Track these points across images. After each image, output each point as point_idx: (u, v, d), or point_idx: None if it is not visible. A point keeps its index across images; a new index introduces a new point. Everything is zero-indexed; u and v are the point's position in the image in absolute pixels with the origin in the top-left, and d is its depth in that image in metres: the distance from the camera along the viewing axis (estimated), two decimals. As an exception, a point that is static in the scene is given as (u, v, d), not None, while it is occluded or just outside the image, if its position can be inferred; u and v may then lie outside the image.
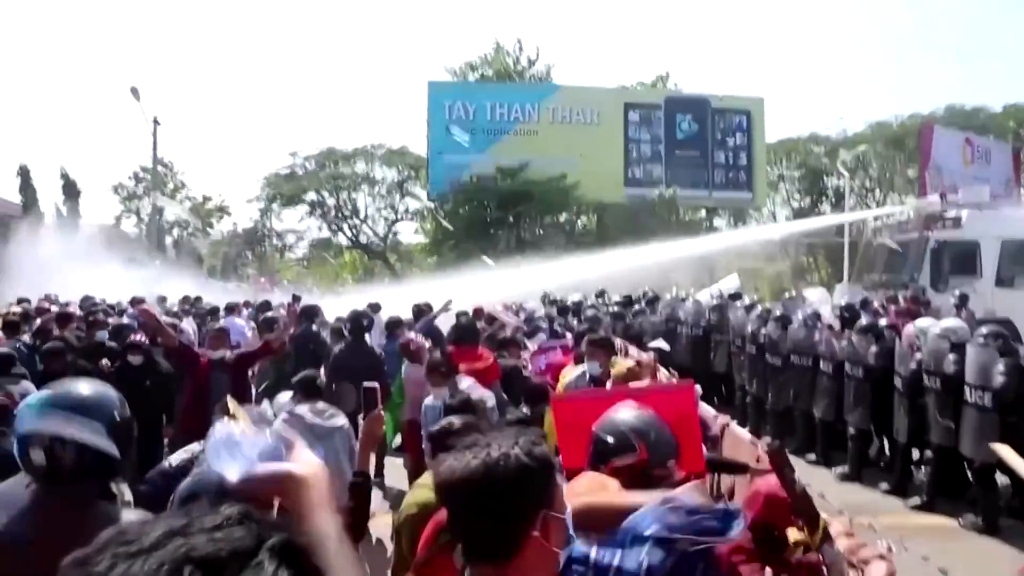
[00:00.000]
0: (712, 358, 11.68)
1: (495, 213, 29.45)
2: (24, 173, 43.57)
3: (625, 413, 2.41)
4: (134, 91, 29.34)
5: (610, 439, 2.29)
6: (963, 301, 11.26)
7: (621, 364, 4.96)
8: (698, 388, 6.41)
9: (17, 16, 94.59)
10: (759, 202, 34.65)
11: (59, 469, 1.83)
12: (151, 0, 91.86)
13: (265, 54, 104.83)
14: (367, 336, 7.97)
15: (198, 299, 15.91)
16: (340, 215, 40.61)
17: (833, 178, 36.52)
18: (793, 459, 3.02)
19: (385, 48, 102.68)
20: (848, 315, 9.35)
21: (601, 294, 15.03)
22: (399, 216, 41.27)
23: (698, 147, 31.77)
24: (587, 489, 2.03)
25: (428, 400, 4.96)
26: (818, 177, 37.64)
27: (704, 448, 2.74)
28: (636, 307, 13.11)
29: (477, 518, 1.40)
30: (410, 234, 43.05)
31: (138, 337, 6.84)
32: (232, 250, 50.11)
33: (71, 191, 44.77)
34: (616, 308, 13.30)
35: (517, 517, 1.37)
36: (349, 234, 41.63)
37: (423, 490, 3.16)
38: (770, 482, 2.54)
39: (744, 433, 5.11)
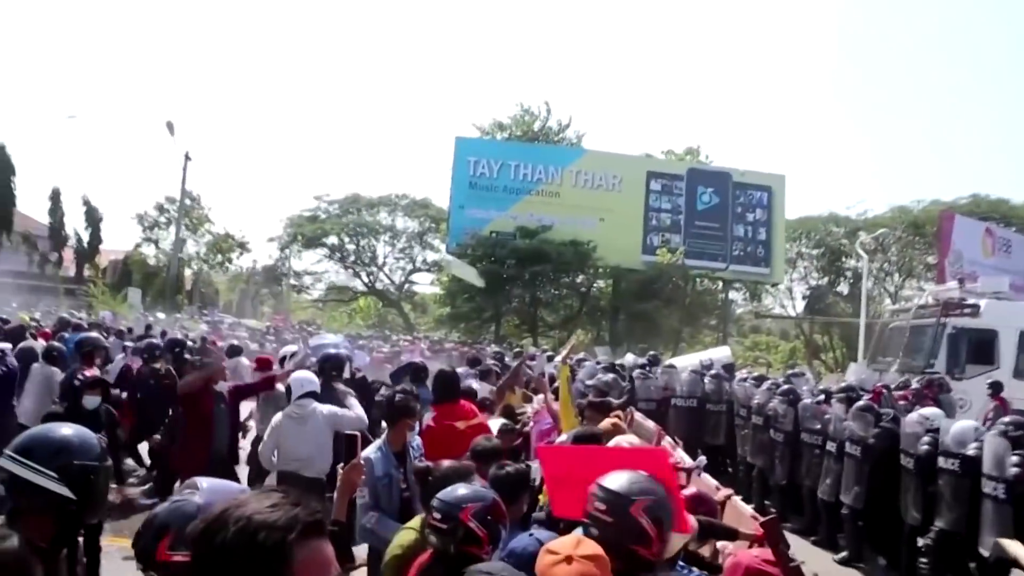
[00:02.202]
0: (707, 429, 11.51)
1: (512, 270, 29.61)
2: (55, 197, 44.58)
3: (610, 478, 2.32)
4: (170, 125, 30.20)
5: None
6: (996, 389, 11.12)
7: (605, 422, 5.00)
8: (703, 459, 6.36)
9: (66, 50, 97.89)
10: (776, 278, 34.64)
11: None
12: (194, 40, 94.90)
13: (300, 99, 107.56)
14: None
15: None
16: (359, 260, 41.05)
17: (851, 259, 36.53)
18: (795, 539, 2.99)
19: (416, 101, 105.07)
20: (851, 395, 9.25)
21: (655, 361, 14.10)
22: (416, 266, 41.68)
23: (718, 219, 31.97)
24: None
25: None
26: (836, 257, 37.68)
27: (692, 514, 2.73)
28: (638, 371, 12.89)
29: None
30: (426, 284, 43.41)
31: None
32: (249, 287, 50.59)
33: (93, 216, 45.60)
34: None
35: None
36: (366, 280, 42.02)
37: (408, 532, 3.16)
38: (753, 555, 2.51)
39: (746, 507, 5.04)
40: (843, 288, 38.42)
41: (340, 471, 2.84)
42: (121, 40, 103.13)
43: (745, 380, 11.56)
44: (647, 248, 31.44)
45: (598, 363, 13.86)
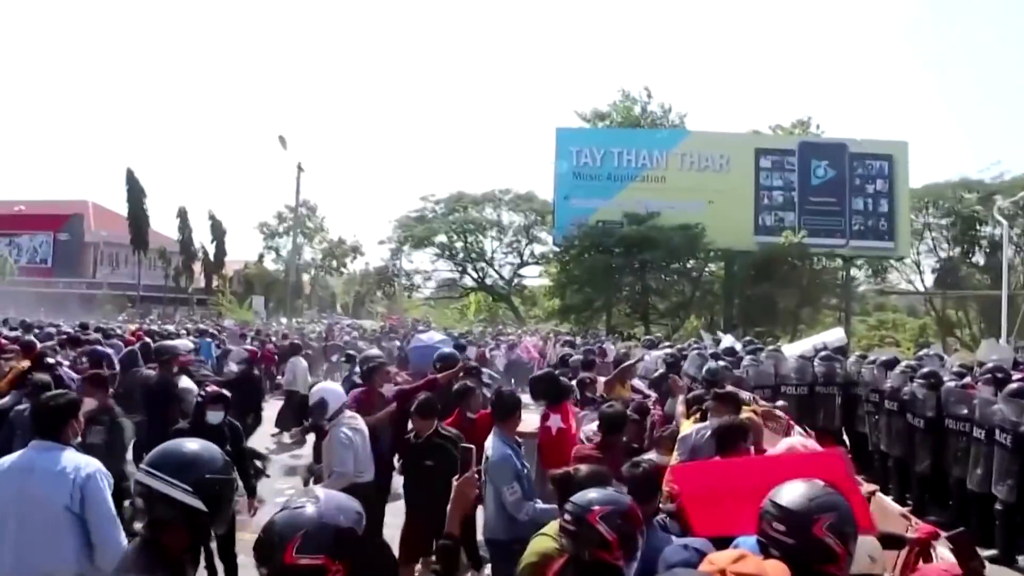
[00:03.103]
0: (818, 415, 10.88)
1: (620, 258, 29.27)
2: (183, 215, 47.61)
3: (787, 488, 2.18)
4: (282, 139, 31.64)
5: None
6: None
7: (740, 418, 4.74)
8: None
9: (182, 72, 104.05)
10: (902, 252, 32.71)
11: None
12: (299, 54, 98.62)
13: (401, 102, 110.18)
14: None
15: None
16: (467, 257, 41.65)
17: (987, 226, 34.01)
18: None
19: (515, 95, 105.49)
20: (1000, 376, 8.51)
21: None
22: (524, 260, 41.90)
23: (834, 193, 30.48)
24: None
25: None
26: (970, 225, 35.16)
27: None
28: (749, 357, 12.29)
29: None
30: (535, 277, 43.58)
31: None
32: (364, 289, 52.34)
33: (218, 230, 48.39)
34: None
35: None
36: (475, 276, 42.59)
37: (545, 539, 3.14)
38: (941, 569, 2.32)
39: (892, 504, 4.71)
40: (978, 258, 35.88)
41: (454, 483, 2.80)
42: (233, 60, 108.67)
43: (873, 362, 10.91)
44: (760, 228, 30.40)
45: (703, 347, 13.40)
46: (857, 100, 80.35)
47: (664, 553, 2.50)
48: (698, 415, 5.57)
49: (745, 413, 4.92)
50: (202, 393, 5.75)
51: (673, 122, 36.19)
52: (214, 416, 5.40)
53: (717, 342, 14.59)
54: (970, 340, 32.80)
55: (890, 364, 10.58)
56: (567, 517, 2.59)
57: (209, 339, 15.52)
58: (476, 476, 2.89)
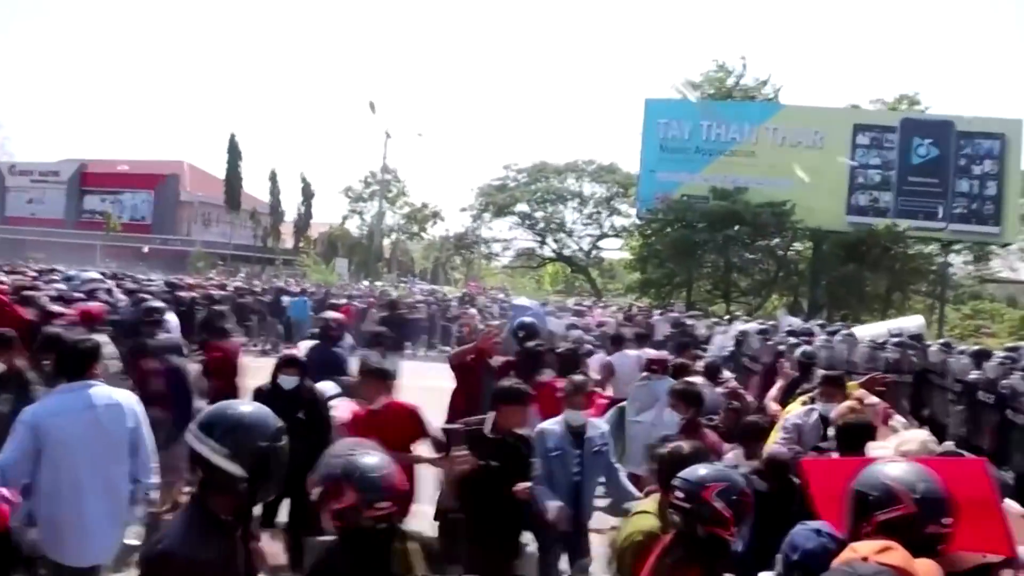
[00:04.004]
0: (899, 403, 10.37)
1: (703, 234, 28.66)
2: (273, 178, 49.06)
3: (888, 466, 2.23)
4: (371, 105, 32.06)
5: (872, 493, 2.13)
6: None
7: (843, 405, 4.57)
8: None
9: (274, 36, 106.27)
10: (1008, 237, 30.89)
11: None
12: (391, 26, 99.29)
13: (488, 70, 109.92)
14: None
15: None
16: (547, 227, 41.55)
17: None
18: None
19: (603, 66, 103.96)
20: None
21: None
22: (604, 232, 41.53)
23: (937, 174, 28.97)
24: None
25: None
26: (1085, 212, 32.90)
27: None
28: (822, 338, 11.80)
29: None
30: (614, 250, 43.18)
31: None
32: (443, 255, 52.93)
33: (307, 193, 49.68)
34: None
35: None
36: (554, 246, 42.49)
37: (646, 516, 3.11)
38: None
39: (1016, 506, 4.45)
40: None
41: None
42: (327, 28, 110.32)
43: (962, 352, 10.36)
44: (852, 208, 29.23)
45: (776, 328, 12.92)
46: (968, 76, 75.90)
47: (793, 537, 2.44)
48: (804, 397, 5.39)
49: (847, 404, 4.73)
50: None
51: (767, 95, 34.95)
52: (287, 381, 5.06)
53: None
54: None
55: (983, 355, 10.06)
56: (679, 494, 2.57)
57: (306, 297, 16.19)
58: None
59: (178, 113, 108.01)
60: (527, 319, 7.03)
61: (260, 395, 4.91)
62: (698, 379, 5.78)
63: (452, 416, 5.59)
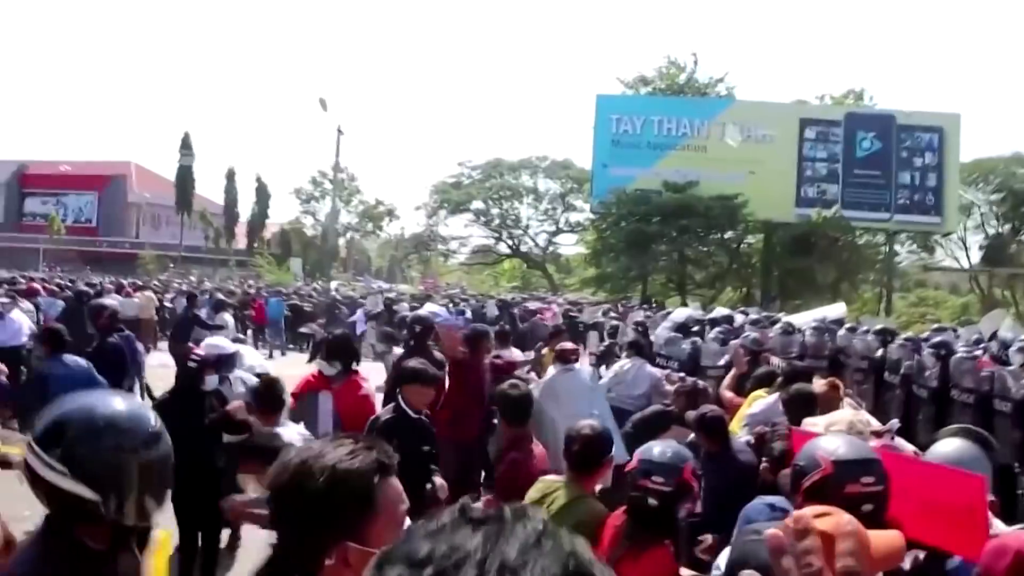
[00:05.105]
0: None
1: (657, 227, 28.94)
2: (231, 176, 48.22)
3: (822, 439, 2.21)
4: (322, 101, 31.65)
5: (799, 463, 2.10)
6: None
7: (819, 384, 4.63)
8: (895, 422, 5.84)
9: (225, 34, 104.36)
10: (949, 227, 31.86)
11: None
12: (342, 22, 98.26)
13: (439, 67, 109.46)
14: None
15: None
16: (503, 224, 41.60)
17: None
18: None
19: (554, 62, 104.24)
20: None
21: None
22: (560, 227, 41.74)
23: (880, 166, 29.70)
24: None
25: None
26: (1021, 201, 34.14)
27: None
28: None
29: (281, 524, 1.35)
30: (570, 246, 43.40)
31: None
32: (399, 252, 52.60)
33: (262, 192, 48.92)
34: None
35: (313, 536, 1.27)
36: (510, 243, 42.56)
37: (588, 500, 3.07)
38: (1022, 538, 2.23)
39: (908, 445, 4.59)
40: (1029, 236, 34.89)
41: None
42: (275, 25, 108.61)
43: (867, 333, 10.59)
44: (801, 201, 29.81)
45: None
46: (910, 72, 78.00)
47: (747, 511, 2.48)
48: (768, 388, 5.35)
49: (824, 382, 4.77)
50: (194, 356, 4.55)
51: (719, 93, 35.38)
52: (210, 381, 4.36)
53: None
54: (1017, 321, 32.01)
55: (887, 334, 10.26)
56: (656, 479, 2.55)
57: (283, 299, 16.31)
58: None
59: (125, 113, 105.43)
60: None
61: (164, 402, 4.31)
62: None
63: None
